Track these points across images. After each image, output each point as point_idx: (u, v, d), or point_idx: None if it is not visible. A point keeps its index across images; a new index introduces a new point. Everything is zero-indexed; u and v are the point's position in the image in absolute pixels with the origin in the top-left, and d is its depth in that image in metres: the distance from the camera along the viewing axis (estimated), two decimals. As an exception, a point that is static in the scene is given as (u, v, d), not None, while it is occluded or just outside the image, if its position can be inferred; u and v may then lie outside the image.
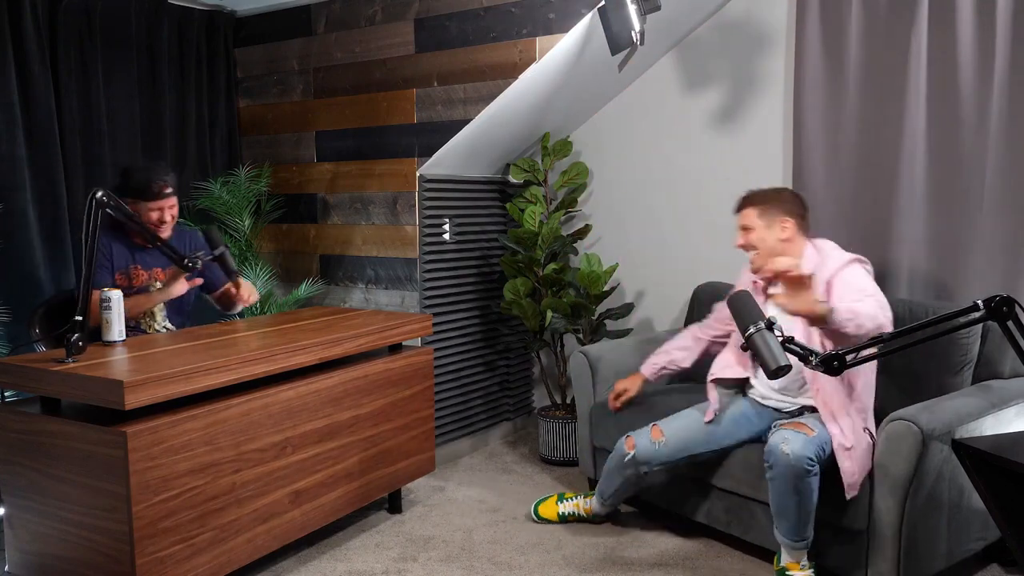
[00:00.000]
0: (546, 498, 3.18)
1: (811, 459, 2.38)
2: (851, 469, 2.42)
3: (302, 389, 2.66)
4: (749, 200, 2.74)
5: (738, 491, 2.75)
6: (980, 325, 2.72)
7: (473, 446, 4.05)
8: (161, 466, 2.21)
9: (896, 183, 3.16)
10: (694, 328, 3.15)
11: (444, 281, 3.84)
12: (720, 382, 2.83)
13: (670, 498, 3.02)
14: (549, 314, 3.78)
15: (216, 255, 2.84)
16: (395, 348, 3.16)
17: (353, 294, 3.94)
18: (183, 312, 3.13)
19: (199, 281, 2.99)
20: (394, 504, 3.26)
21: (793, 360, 2.07)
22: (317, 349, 2.72)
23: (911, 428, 2.30)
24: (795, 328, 2.43)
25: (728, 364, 2.85)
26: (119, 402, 2.11)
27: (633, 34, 3.01)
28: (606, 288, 3.79)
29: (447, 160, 3.73)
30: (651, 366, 3.11)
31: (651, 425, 2.80)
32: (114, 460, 2.15)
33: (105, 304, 2.60)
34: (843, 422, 2.49)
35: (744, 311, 2.10)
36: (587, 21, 3.25)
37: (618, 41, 3.08)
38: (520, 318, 3.87)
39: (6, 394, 2.55)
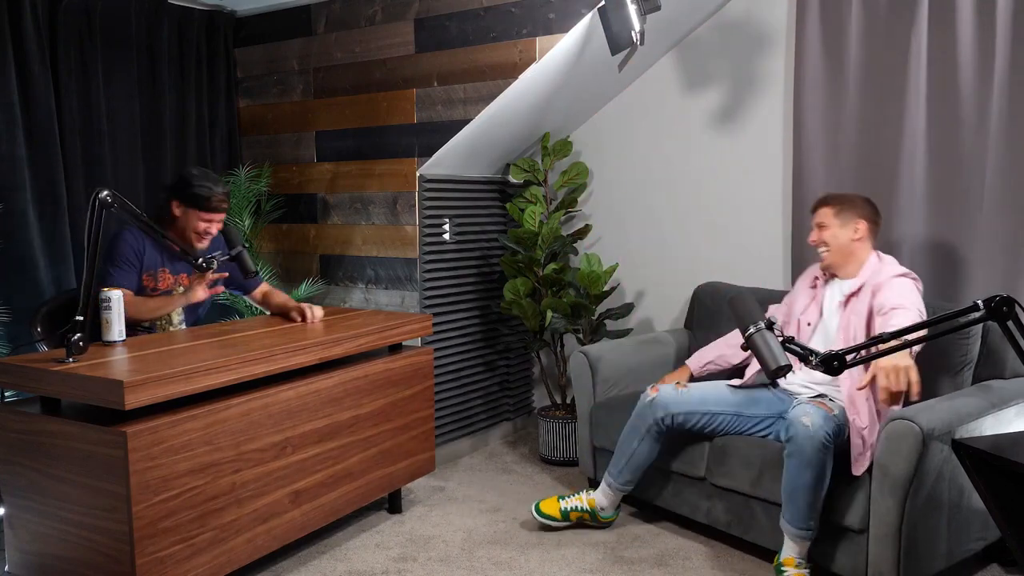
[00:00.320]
0: (546, 498, 3.16)
1: (829, 434, 2.43)
2: (861, 447, 2.50)
3: (302, 389, 2.66)
4: (826, 200, 2.84)
5: (738, 490, 2.75)
6: (980, 325, 2.72)
7: (473, 446, 4.05)
8: (161, 466, 2.21)
9: (896, 183, 3.17)
10: None
11: (444, 281, 3.84)
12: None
13: (670, 498, 3.02)
14: (549, 314, 3.78)
15: (233, 255, 2.84)
16: (395, 348, 3.16)
17: (353, 294, 3.94)
18: (198, 317, 3.15)
19: (220, 289, 2.99)
20: (394, 504, 3.26)
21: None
22: (317, 349, 2.72)
23: (911, 428, 2.30)
24: (834, 330, 2.74)
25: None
26: (119, 402, 2.11)
27: (633, 34, 3.01)
28: (606, 288, 3.79)
29: (447, 160, 3.73)
30: (699, 361, 3.12)
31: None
32: (114, 460, 2.15)
33: (105, 304, 2.60)
34: (862, 409, 2.55)
35: (744, 311, 2.11)
36: (587, 21, 3.25)
37: (618, 41, 3.09)
38: (520, 318, 3.87)
39: (6, 394, 2.55)
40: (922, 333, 2.20)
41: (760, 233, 3.64)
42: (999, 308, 1.90)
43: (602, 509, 3.03)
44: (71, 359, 2.34)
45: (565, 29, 3.29)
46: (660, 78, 3.87)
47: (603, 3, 3.10)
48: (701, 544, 2.95)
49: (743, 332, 2.09)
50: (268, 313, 3.30)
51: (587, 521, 3.04)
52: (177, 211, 2.91)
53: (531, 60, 3.39)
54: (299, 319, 3.07)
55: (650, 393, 2.90)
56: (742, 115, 3.66)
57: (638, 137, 3.97)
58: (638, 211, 4.01)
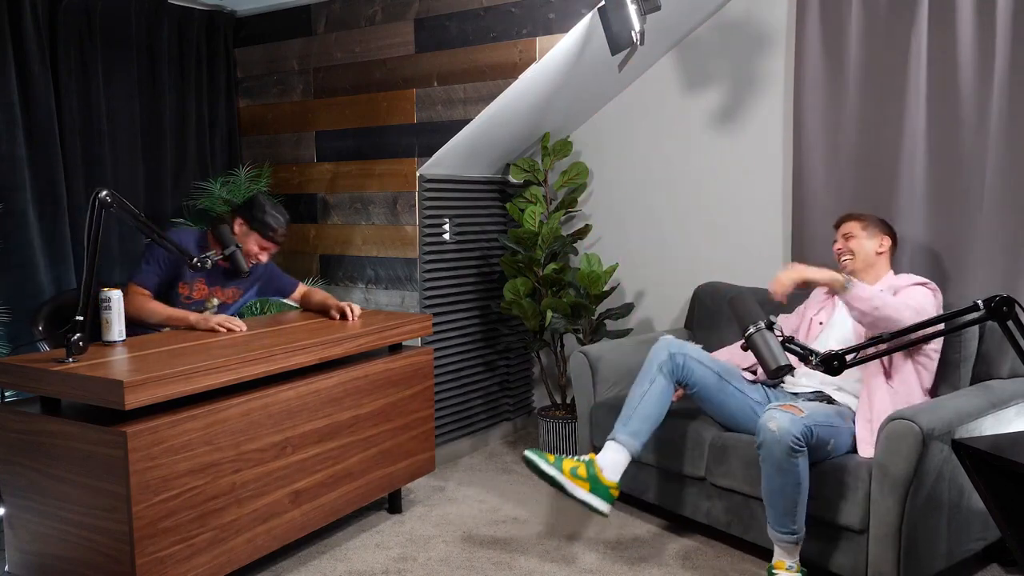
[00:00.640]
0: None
1: (797, 437, 2.39)
2: (863, 435, 2.55)
3: (302, 389, 2.66)
4: (853, 215, 2.96)
5: (738, 490, 2.75)
6: (979, 325, 2.73)
7: (473, 446, 4.05)
8: (161, 466, 2.21)
9: (896, 183, 3.17)
10: None
11: (444, 281, 3.84)
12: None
13: (670, 498, 3.02)
14: (549, 314, 3.78)
15: (227, 254, 2.84)
16: (395, 348, 3.16)
17: (353, 294, 3.94)
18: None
19: (223, 324, 2.89)
20: (394, 504, 3.26)
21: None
22: (317, 349, 2.72)
23: (911, 428, 2.31)
24: (848, 329, 2.76)
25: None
26: (119, 402, 2.11)
27: (633, 34, 3.01)
28: (606, 288, 3.79)
29: (447, 160, 3.73)
30: None
31: None
32: (114, 460, 2.15)
33: (105, 304, 2.60)
34: (877, 409, 2.59)
35: (744, 311, 2.11)
36: (587, 21, 3.25)
37: (618, 41, 3.09)
38: (520, 318, 3.88)
39: (6, 394, 2.55)
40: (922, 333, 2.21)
41: (760, 233, 3.64)
42: (999, 308, 1.91)
43: (603, 469, 2.61)
44: (71, 359, 2.34)
45: (565, 29, 3.29)
46: (660, 78, 3.87)
47: (603, 3, 3.10)
48: (701, 544, 2.95)
49: (743, 332, 2.09)
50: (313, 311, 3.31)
51: (581, 478, 2.60)
52: (238, 229, 3.00)
53: (531, 60, 3.39)
54: (338, 317, 3.10)
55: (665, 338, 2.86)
56: (742, 115, 3.66)
57: (638, 137, 3.97)
58: (638, 211, 4.01)
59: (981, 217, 3.00)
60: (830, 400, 2.75)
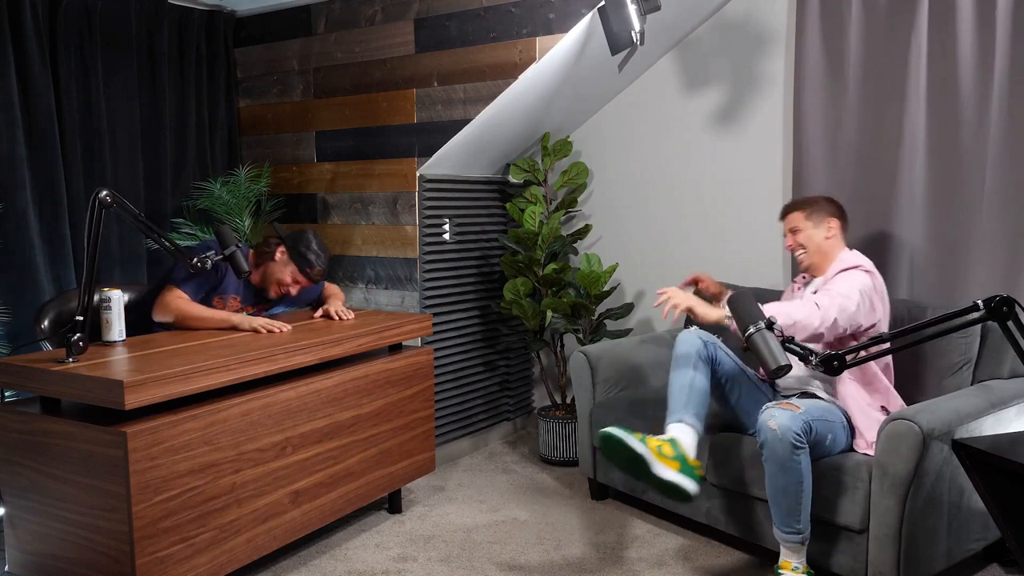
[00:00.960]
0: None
1: (798, 434, 2.39)
2: (863, 427, 2.58)
3: (302, 389, 2.66)
4: (794, 205, 2.87)
5: (738, 490, 2.75)
6: (980, 325, 2.73)
7: (473, 446, 4.05)
8: (161, 466, 2.21)
9: (896, 183, 3.17)
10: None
11: (444, 281, 3.84)
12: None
13: (670, 498, 3.02)
14: (549, 314, 3.78)
15: (226, 255, 2.84)
16: (395, 348, 3.16)
17: (353, 294, 3.94)
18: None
19: (265, 327, 2.88)
20: (394, 504, 3.26)
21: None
22: (317, 349, 2.72)
23: (911, 428, 2.31)
24: None
25: None
26: (119, 402, 2.11)
27: (633, 34, 3.01)
28: (606, 288, 3.79)
29: (447, 160, 3.73)
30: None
31: None
32: (114, 460, 2.15)
33: (105, 304, 2.60)
34: (852, 396, 2.61)
35: (744, 311, 2.11)
36: (587, 21, 3.25)
37: (618, 41, 3.09)
38: (520, 318, 3.88)
39: (6, 394, 2.55)
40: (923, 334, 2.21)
41: (760, 233, 3.64)
42: (999, 308, 1.91)
43: (687, 448, 2.48)
44: (71, 359, 2.34)
45: (565, 29, 3.29)
46: (660, 78, 3.87)
47: (603, 3, 3.10)
48: (701, 544, 2.95)
49: (743, 332, 2.09)
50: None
51: (668, 456, 2.43)
52: (279, 255, 3.01)
53: (531, 60, 3.39)
54: (323, 317, 3.12)
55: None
56: (742, 115, 3.66)
57: (638, 137, 3.97)
58: (638, 211, 4.01)
59: (981, 217, 3.00)
60: (815, 398, 2.74)
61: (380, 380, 2.98)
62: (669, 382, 2.70)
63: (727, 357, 2.79)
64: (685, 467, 2.44)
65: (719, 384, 2.78)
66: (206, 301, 2.93)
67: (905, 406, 2.69)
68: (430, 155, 3.65)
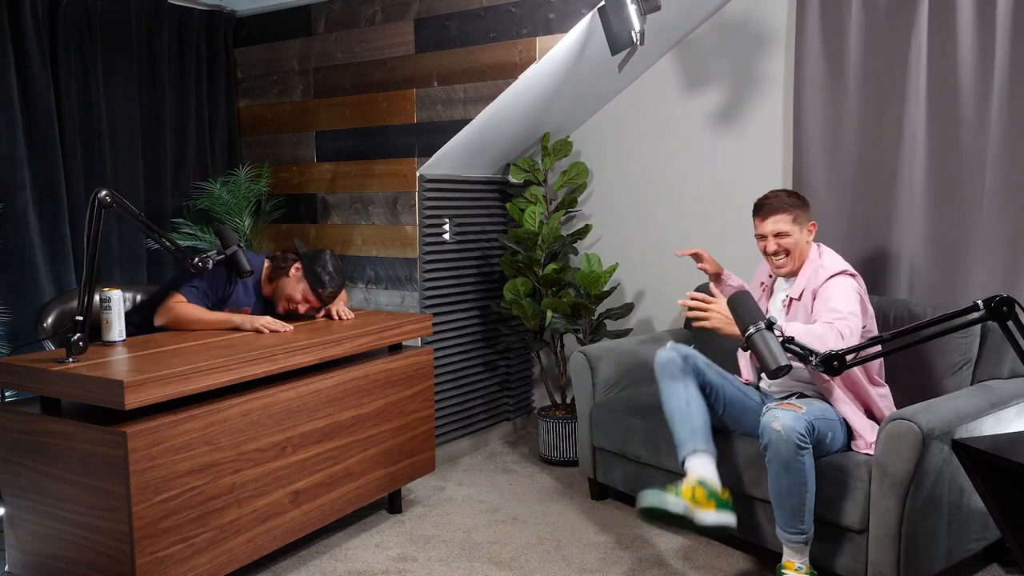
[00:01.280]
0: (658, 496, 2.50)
1: (802, 435, 2.39)
2: (858, 428, 2.57)
3: (302, 389, 2.66)
4: (780, 206, 2.71)
5: (738, 490, 2.75)
6: (979, 325, 2.73)
7: (473, 446, 4.05)
8: (161, 466, 2.21)
9: (896, 183, 3.17)
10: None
11: (444, 281, 3.84)
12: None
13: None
14: (549, 314, 3.78)
15: (228, 255, 2.84)
16: (395, 348, 3.16)
17: (353, 294, 3.94)
18: None
19: (267, 326, 2.88)
20: (394, 504, 3.26)
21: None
22: (317, 349, 2.72)
23: (911, 428, 2.31)
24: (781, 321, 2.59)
25: None
26: (119, 402, 2.11)
27: (633, 34, 3.01)
28: (606, 288, 3.79)
29: (447, 160, 3.73)
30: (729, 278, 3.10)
31: None
32: (114, 460, 2.15)
33: (105, 304, 2.60)
34: (838, 397, 2.61)
35: (744, 311, 2.11)
36: (587, 21, 3.25)
37: (618, 41, 3.09)
38: (520, 318, 3.88)
39: (6, 394, 2.55)
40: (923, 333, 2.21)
41: (760, 233, 3.64)
42: (999, 308, 1.90)
43: (714, 482, 2.49)
44: (71, 359, 2.34)
45: (565, 29, 3.29)
46: (660, 78, 3.87)
47: (603, 3, 3.10)
48: (701, 544, 2.94)
49: (743, 332, 2.09)
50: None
51: (703, 500, 2.44)
52: (293, 272, 3.00)
53: (531, 60, 3.39)
54: (324, 317, 3.14)
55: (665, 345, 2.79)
56: (742, 115, 3.66)
57: (638, 137, 3.97)
58: (638, 211, 4.01)
59: (981, 217, 3.00)
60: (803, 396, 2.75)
61: (380, 380, 2.98)
62: (664, 404, 2.71)
63: (707, 367, 2.78)
64: (720, 503, 2.47)
65: (705, 395, 2.77)
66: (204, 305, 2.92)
67: (892, 407, 2.69)
68: (430, 155, 3.65)
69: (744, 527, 2.77)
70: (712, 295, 2.53)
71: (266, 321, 2.83)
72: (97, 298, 2.61)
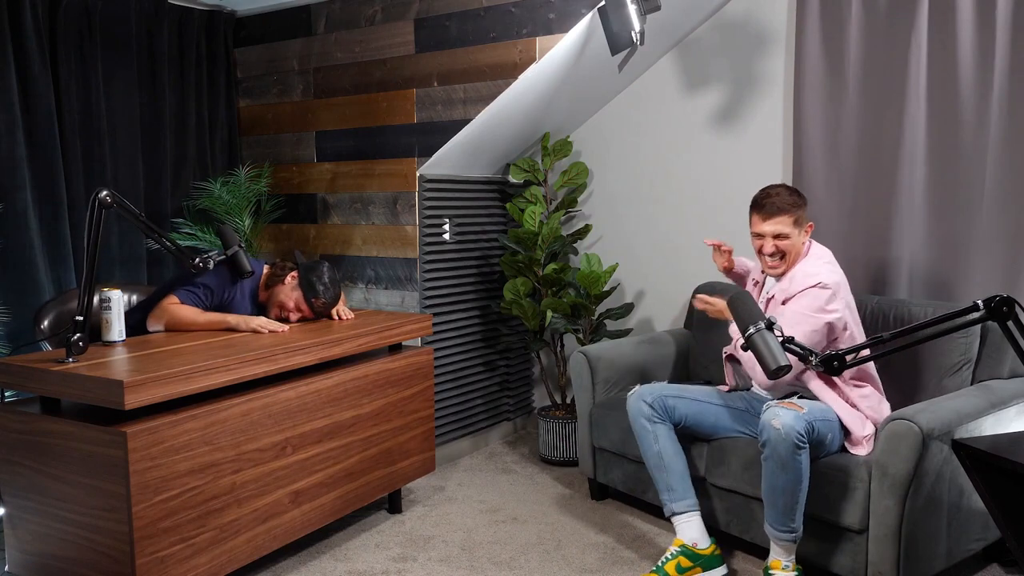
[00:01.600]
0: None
1: (801, 434, 2.40)
2: (854, 429, 2.57)
3: (302, 389, 2.66)
4: (783, 208, 2.64)
5: (738, 490, 2.75)
6: (979, 325, 2.73)
7: (473, 446, 4.05)
8: (161, 466, 2.21)
9: (896, 183, 3.17)
10: None
11: (444, 281, 3.84)
12: (733, 359, 2.92)
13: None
14: (549, 314, 3.78)
15: (229, 255, 2.84)
16: (395, 348, 3.16)
17: (353, 294, 3.94)
18: None
19: (264, 327, 2.89)
20: (394, 504, 3.26)
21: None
22: (317, 349, 2.72)
23: (911, 428, 2.31)
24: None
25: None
26: (119, 402, 2.11)
27: (633, 34, 3.01)
28: (606, 288, 3.79)
29: (447, 160, 3.73)
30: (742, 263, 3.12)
31: None
32: (114, 460, 2.15)
33: (105, 304, 2.60)
34: (839, 407, 2.61)
35: (744, 311, 2.11)
36: (587, 21, 3.25)
37: (618, 41, 3.09)
38: (520, 318, 3.88)
39: (6, 394, 2.55)
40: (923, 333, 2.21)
41: (760, 233, 3.64)
42: (999, 308, 1.91)
43: (696, 543, 2.66)
44: (71, 359, 2.34)
45: (565, 29, 3.29)
46: (660, 78, 3.87)
47: (603, 3, 3.10)
48: (701, 544, 2.95)
49: (743, 332, 2.09)
50: None
51: (688, 568, 2.63)
52: (289, 280, 3.01)
53: (531, 60, 3.39)
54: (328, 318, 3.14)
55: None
56: (742, 115, 3.66)
57: (638, 137, 3.97)
58: (638, 211, 4.01)
59: (981, 217, 3.00)
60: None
61: (380, 380, 2.98)
62: (641, 452, 2.82)
63: (678, 399, 2.80)
64: (706, 561, 2.65)
65: (686, 427, 2.82)
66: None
67: (878, 407, 2.67)
68: (430, 155, 3.65)
69: (744, 527, 2.77)
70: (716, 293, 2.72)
71: (262, 321, 2.84)
72: (97, 298, 2.61)
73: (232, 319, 2.84)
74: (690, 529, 2.68)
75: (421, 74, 3.69)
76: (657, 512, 3.17)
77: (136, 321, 2.89)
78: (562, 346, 4.03)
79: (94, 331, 2.56)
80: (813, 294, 2.56)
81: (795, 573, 2.51)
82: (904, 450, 2.31)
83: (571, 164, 4.02)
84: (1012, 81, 2.90)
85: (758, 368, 2.49)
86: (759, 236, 2.70)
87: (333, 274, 3.05)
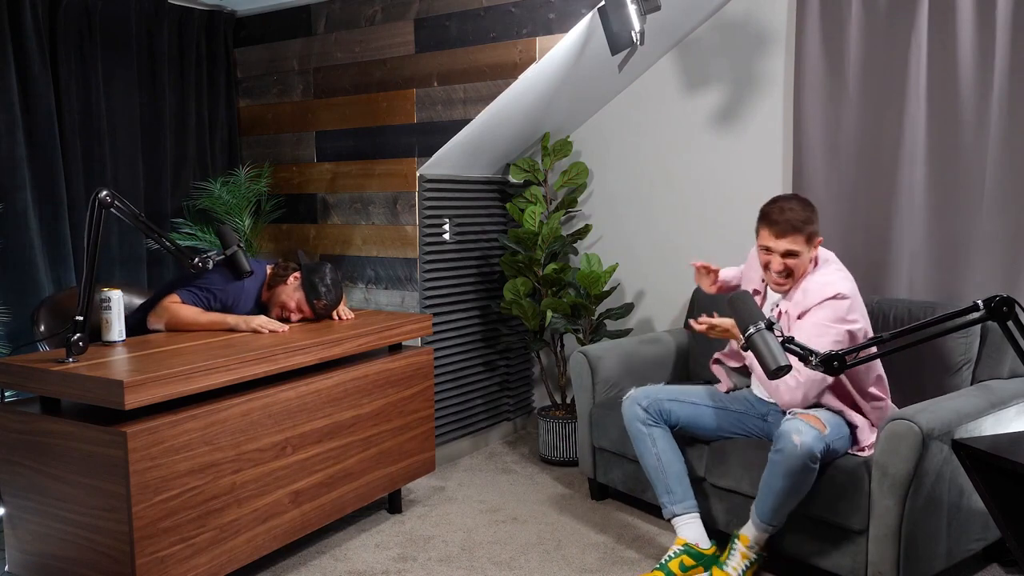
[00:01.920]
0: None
1: (817, 455, 2.41)
2: (861, 439, 2.58)
3: (302, 389, 2.66)
4: (797, 227, 2.54)
5: (738, 490, 2.75)
6: (979, 325, 2.72)
7: (473, 446, 4.05)
8: (161, 466, 2.21)
9: (896, 183, 3.17)
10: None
11: (444, 281, 3.84)
12: (722, 363, 2.93)
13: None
14: (549, 314, 3.78)
15: (228, 255, 2.84)
16: (395, 348, 3.16)
17: (353, 294, 3.94)
18: None
19: (264, 327, 2.88)
20: (394, 504, 3.26)
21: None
22: (317, 349, 2.72)
23: (911, 428, 2.30)
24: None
25: (733, 352, 2.96)
26: (119, 402, 2.11)
27: (633, 34, 3.01)
28: (606, 288, 3.79)
29: (447, 160, 3.73)
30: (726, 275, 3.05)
31: None
32: (114, 460, 2.15)
33: (105, 304, 2.60)
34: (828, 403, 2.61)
35: (744, 311, 2.11)
36: (587, 21, 3.25)
37: (618, 41, 3.09)
38: (520, 318, 3.88)
39: (6, 394, 2.55)
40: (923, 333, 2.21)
41: (760, 233, 3.63)
42: (999, 308, 1.90)
43: (698, 543, 2.68)
44: (71, 359, 2.34)
45: (565, 29, 3.29)
46: (660, 78, 3.87)
47: (603, 3, 3.10)
48: (701, 544, 2.95)
49: (743, 332, 2.09)
50: None
51: (691, 566, 2.66)
52: (291, 280, 3.02)
53: (531, 60, 3.39)
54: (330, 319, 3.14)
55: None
56: (742, 115, 3.66)
57: (638, 137, 3.97)
58: (638, 211, 4.01)
59: (981, 217, 3.00)
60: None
61: (380, 380, 2.98)
62: (639, 456, 2.83)
63: (674, 403, 2.81)
64: (708, 561, 2.67)
65: (683, 429, 2.83)
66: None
67: (881, 408, 2.66)
68: (430, 155, 3.65)
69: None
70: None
71: (263, 321, 2.83)
72: (97, 298, 2.61)
73: (232, 319, 2.84)
74: (691, 530, 2.71)
75: (421, 74, 3.69)
76: (657, 512, 3.17)
77: (136, 322, 2.89)
78: (562, 346, 4.03)
79: (94, 331, 2.56)
80: (832, 305, 2.51)
81: (755, 557, 2.56)
82: (904, 450, 2.31)
83: (571, 164, 4.02)
84: (1012, 81, 2.90)
85: (782, 388, 2.51)
86: (767, 251, 2.60)
87: (335, 276, 3.05)
